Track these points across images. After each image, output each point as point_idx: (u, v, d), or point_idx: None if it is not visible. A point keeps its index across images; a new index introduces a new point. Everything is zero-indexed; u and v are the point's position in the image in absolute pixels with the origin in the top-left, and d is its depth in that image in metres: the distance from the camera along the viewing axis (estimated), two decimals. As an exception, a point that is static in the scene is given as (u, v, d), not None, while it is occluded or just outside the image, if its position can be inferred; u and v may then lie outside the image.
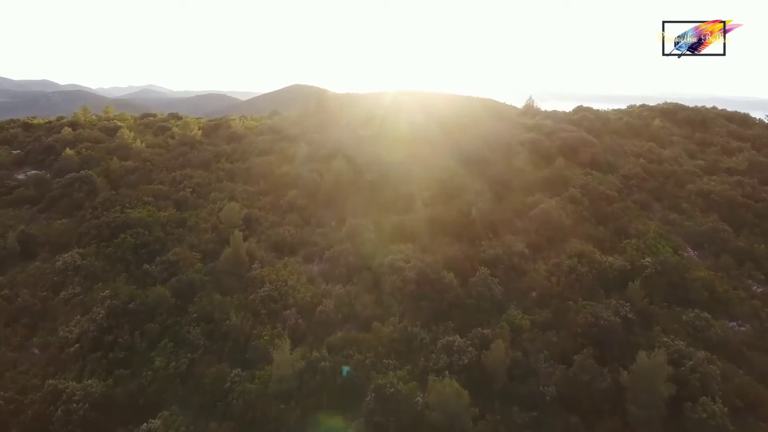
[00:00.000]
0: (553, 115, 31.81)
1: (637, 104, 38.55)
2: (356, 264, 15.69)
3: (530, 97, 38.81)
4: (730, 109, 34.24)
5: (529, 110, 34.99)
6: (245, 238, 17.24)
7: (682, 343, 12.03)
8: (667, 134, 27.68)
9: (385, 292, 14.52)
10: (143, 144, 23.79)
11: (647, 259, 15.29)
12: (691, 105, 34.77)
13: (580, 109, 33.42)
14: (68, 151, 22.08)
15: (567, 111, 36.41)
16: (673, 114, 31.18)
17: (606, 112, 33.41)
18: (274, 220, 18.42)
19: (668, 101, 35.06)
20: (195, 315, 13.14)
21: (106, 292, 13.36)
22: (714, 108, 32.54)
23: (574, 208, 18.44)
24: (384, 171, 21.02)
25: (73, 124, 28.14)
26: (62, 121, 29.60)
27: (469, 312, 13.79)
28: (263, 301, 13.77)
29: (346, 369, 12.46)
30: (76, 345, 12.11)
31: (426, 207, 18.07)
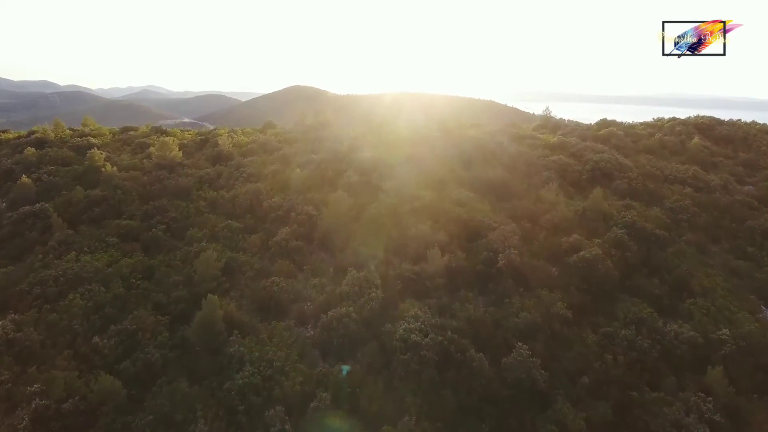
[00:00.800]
0: (577, 130, 28.75)
1: (666, 117, 35.62)
2: (360, 333, 12.66)
3: (547, 108, 35.92)
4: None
5: (548, 123, 31.98)
6: (225, 292, 14.33)
7: (797, 468, 9.02)
8: (708, 155, 24.62)
9: (396, 375, 11.49)
10: (114, 168, 20.72)
11: (724, 330, 12.23)
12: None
13: (604, 123, 30.41)
14: (24, 178, 19.05)
15: (589, 123, 33.45)
16: (710, 130, 28.12)
17: (634, 126, 30.38)
18: (260, 268, 15.38)
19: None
20: (151, 416, 10.10)
21: (36, 386, 10.29)
22: (754, 123, 29.48)
23: (620, 255, 15.38)
24: (391, 204, 17.99)
25: (42, 142, 25.13)
26: (32, 136, 26.59)
27: (505, 407, 10.76)
28: (241, 392, 10.72)
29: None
30: (-13, 468, 9.10)
31: (443, 254, 15.01)
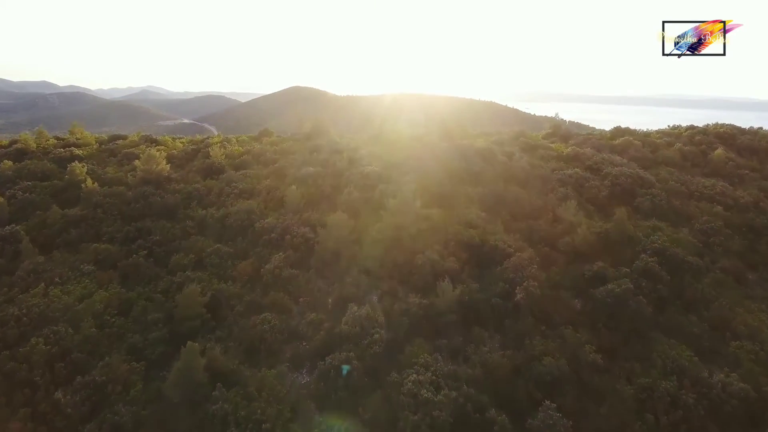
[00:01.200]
0: (590, 139, 27.16)
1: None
2: (362, 382, 11.11)
3: (556, 114, 34.37)
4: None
5: (558, 130, 30.39)
6: (211, 330, 12.81)
7: None
8: (733, 167, 23.03)
9: (404, 438, 9.93)
10: (95, 183, 19.17)
11: (780, 383, 10.69)
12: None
13: (619, 132, 28.82)
14: (-4, 196, 17.53)
15: (601, 129, 31.92)
16: (732, 139, 26.52)
17: (649, 135, 28.80)
18: (250, 300, 13.82)
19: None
20: (115, 497, 8.58)
21: (-21, 461, 8.76)
22: (777, 131, 27.90)
23: (651, 286, 13.81)
24: (396, 225, 16.42)
25: (22, 153, 23.60)
26: (12, 146, 25.05)
27: (533, 481, 9.22)
28: (223, 462, 9.21)
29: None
30: None
31: (454, 285, 13.45)
